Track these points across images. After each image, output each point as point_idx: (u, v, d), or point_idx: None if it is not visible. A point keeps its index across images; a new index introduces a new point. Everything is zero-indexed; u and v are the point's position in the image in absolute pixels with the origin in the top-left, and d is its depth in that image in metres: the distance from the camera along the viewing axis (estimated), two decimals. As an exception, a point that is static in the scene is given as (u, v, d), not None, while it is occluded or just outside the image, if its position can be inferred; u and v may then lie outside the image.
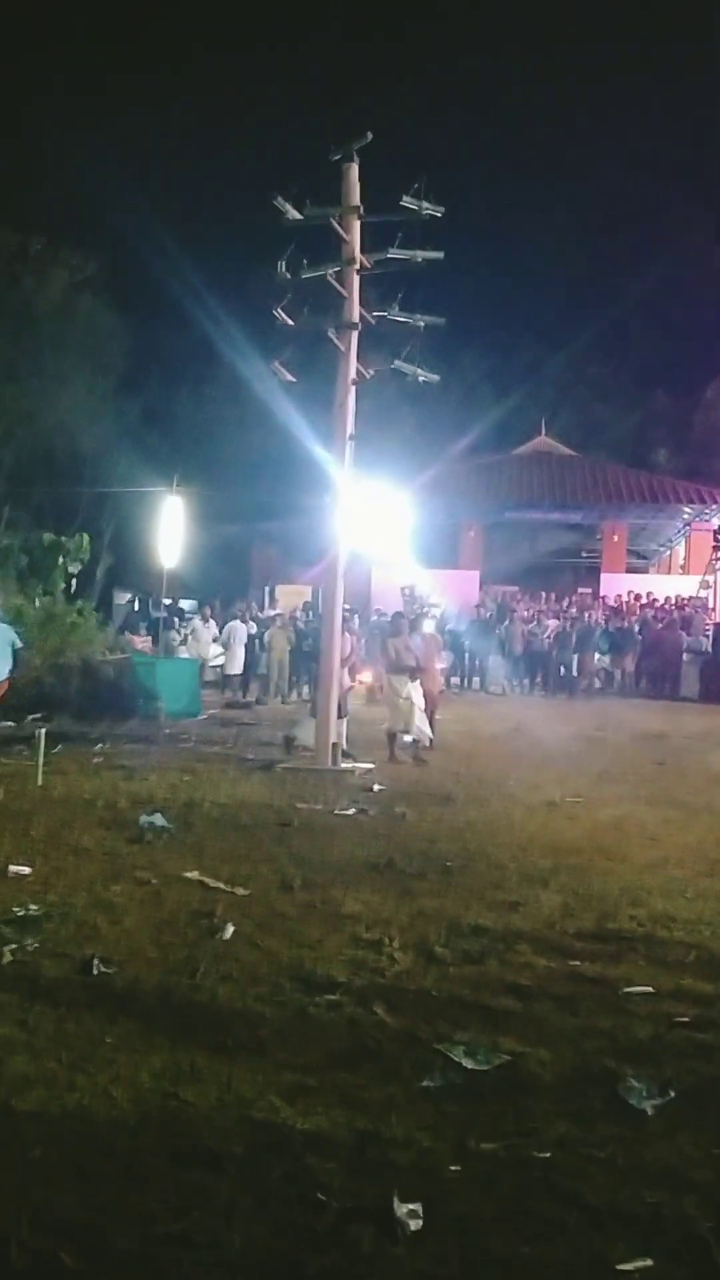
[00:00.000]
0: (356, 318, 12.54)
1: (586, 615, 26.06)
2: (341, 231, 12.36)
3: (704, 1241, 3.07)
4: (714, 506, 31.03)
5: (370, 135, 12.17)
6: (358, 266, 12.50)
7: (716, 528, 29.54)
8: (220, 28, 59.19)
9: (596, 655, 23.95)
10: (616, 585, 30.31)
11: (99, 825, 8.49)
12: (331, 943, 5.70)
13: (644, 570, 36.87)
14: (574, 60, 60.31)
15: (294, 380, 13.39)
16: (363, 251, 12.54)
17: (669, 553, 36.76)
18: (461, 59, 62.82)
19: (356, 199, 12.38)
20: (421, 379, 13.74)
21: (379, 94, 51.42)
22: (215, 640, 23.08)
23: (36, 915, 5.99)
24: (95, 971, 5.11)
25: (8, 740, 12.61)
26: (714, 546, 28.13)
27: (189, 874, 6.99)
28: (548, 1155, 3.54)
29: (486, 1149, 3.57)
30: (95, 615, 20.03)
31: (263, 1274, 2.89)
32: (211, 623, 23.82)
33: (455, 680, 22.75)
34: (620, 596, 28.49)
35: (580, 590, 31.29)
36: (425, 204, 12.14)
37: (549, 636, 24.11)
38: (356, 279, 12.56)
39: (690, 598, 27.63)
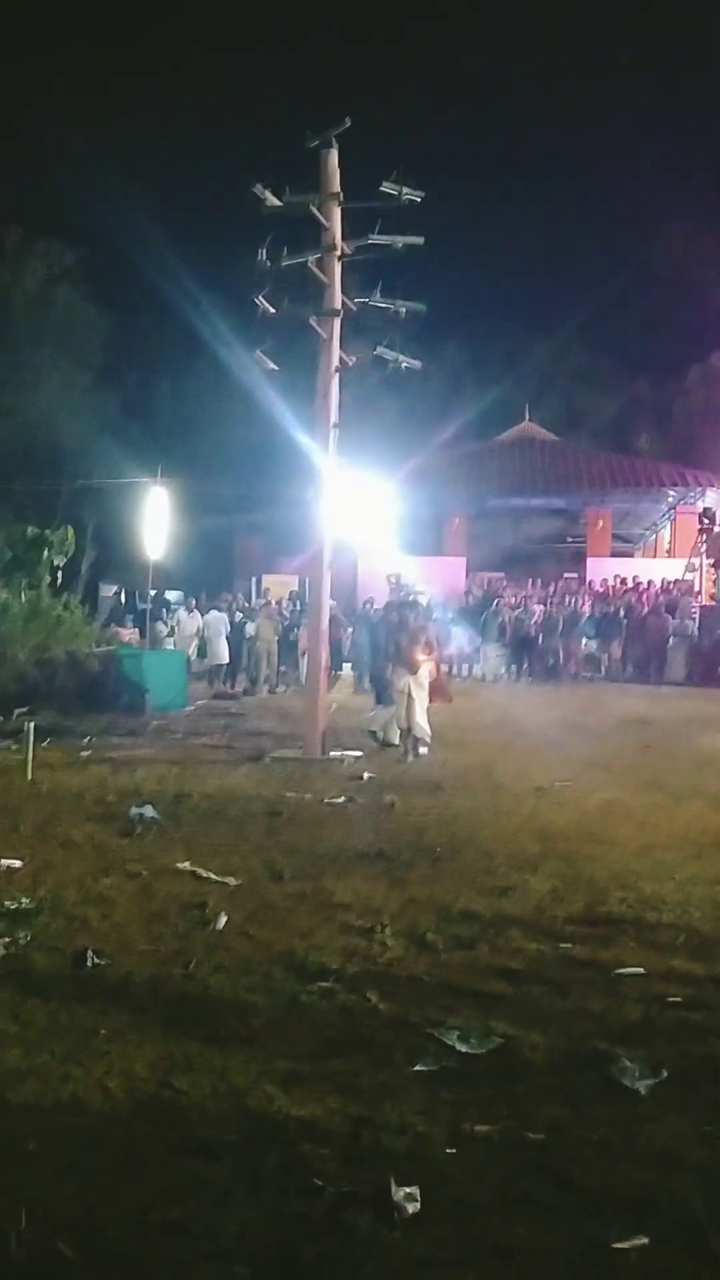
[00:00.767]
0: (338, 305, 12.51)
1: (569, 600, 26.09)
2: (321, 218, 12.33)
3: (698, 1220, 3.09)
4: (698, 489, 31.07)
5: (349, 121, 12.14)
6: (339, 253, 12.47)
7: (701, 510, 29.58)
8: (198, 17, 58.84)
9: (583, 641, 24.00)
10: (602, 570, 30.33)
11: (88, 818, 8.48)
12: (323, 931, 5.71)
13: (630, 554, 36.89)
14: (555, 44, 60.14)
15: (276, 369, 13.36)
16: (343, 238, 12.51)
17: (654, 536, 36.81)
18: (441, 45, 62.59)
19: (336, 185, 12.34)
20: (404, 366, 13.71)
21: (357, 80, 51.20)
22: (198, 632, 23.09)
23: (27, 909, 5.99)
24: (89, 964, 5.11)
25: (-5, 735, 12.57)
26: (699, 530, 28.16)
27: (179, 866, 6.99)
28: (542, 1138, 3.56)
29: (481, 1132, 3.59)
30: (81, 608, 19.96)
31: (260, 1261, 2.90)
32: (196, 613, 23.80)
33: (445, 669, 22.74)
34: (606, 581, 28.52)
35: (566, 576, 31.29)
36: (405, 189, 12.11)
37: (535, 623, 24.14)
38: (338, 266, 12.53)
39: (676, 581, 27.68)
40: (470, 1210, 3.14)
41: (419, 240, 12.56)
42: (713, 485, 31.09)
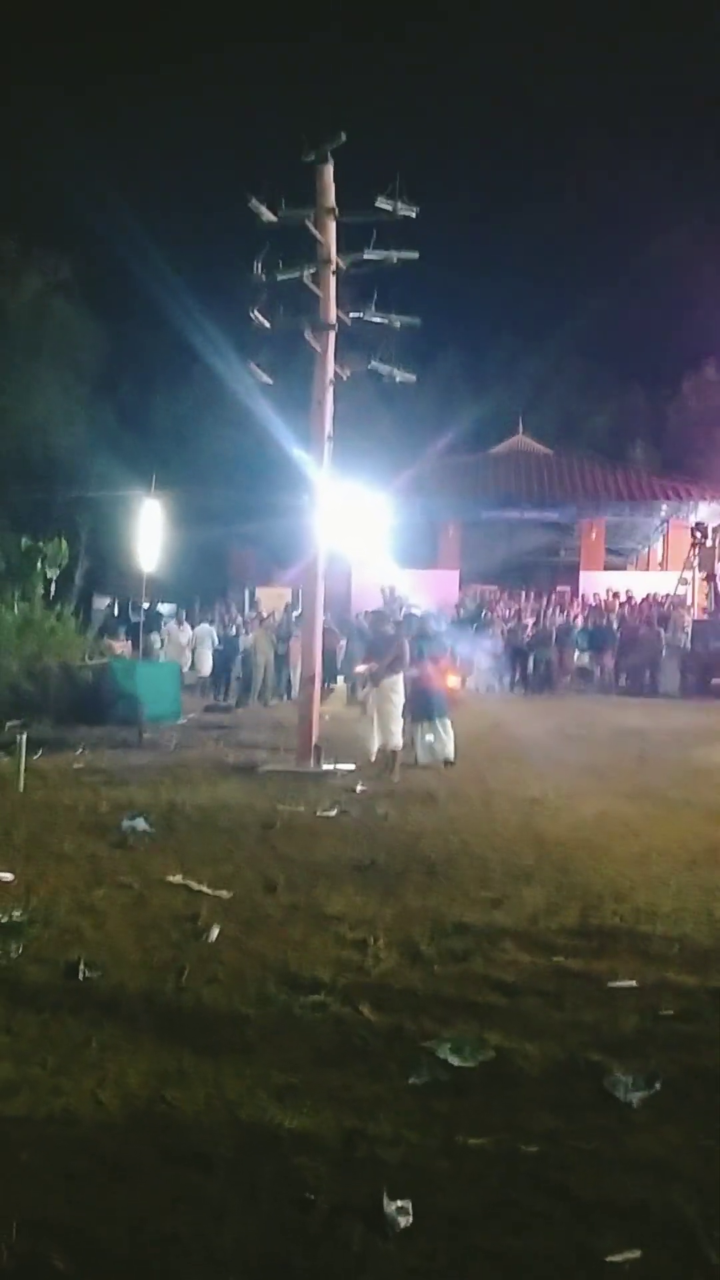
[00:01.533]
0: (333, 318, 12.56)
1: (560, 613, 26.16)
2: (316, 233, 12.37)
3: (691, 1231, 3.09)
4: (691, 503, 31.19)
5: (344, 136, 12.18)
6: (333, 267, 12.51)
7: (694, 524, 29.67)
8: (196, 29, 59.16)
9: (576, 652, 24.04)
10: (595, 583, 30.41)
11: (80, 830, 8.47)
12: (316, 943, 5.71)
13: (622, 567, 37.00)
14: (549, 58, 60.47)
15: (270, 382, 13.40)
16: (338, 252, 12.56)
17: (647, 550, 36.91)
18: (435, 59, 62.98)
19: (331, 200, 12.39)
20: (398, 379, 13.76)
21: (352, 95, 51.46)
22: (187, 644, 23.11)
23: (19, 921, 5.97)
24: (81, 975, 5.09)
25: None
26: (692, 543, 28.25)
27: (172, 877, 6.97)
28: (535, 1149, 3.56)
29: (474, 1144, 3.58)
30: (74, 620, 19.96)
31: (254, 1273, 2.90)
32: (186, 625, 23.81)
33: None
34: (598, 595, 28.58)
35: (559, 588, 31.36)
36: (400, 204, 12.16)
37: (528, 635, 24.18)
38: (332, 280, 12.57)
39: (668, 594, 27.74)
40: (464, 1221, 3.14)
41: (414, 255, 12.62)
42: (705, 498, 31.23)
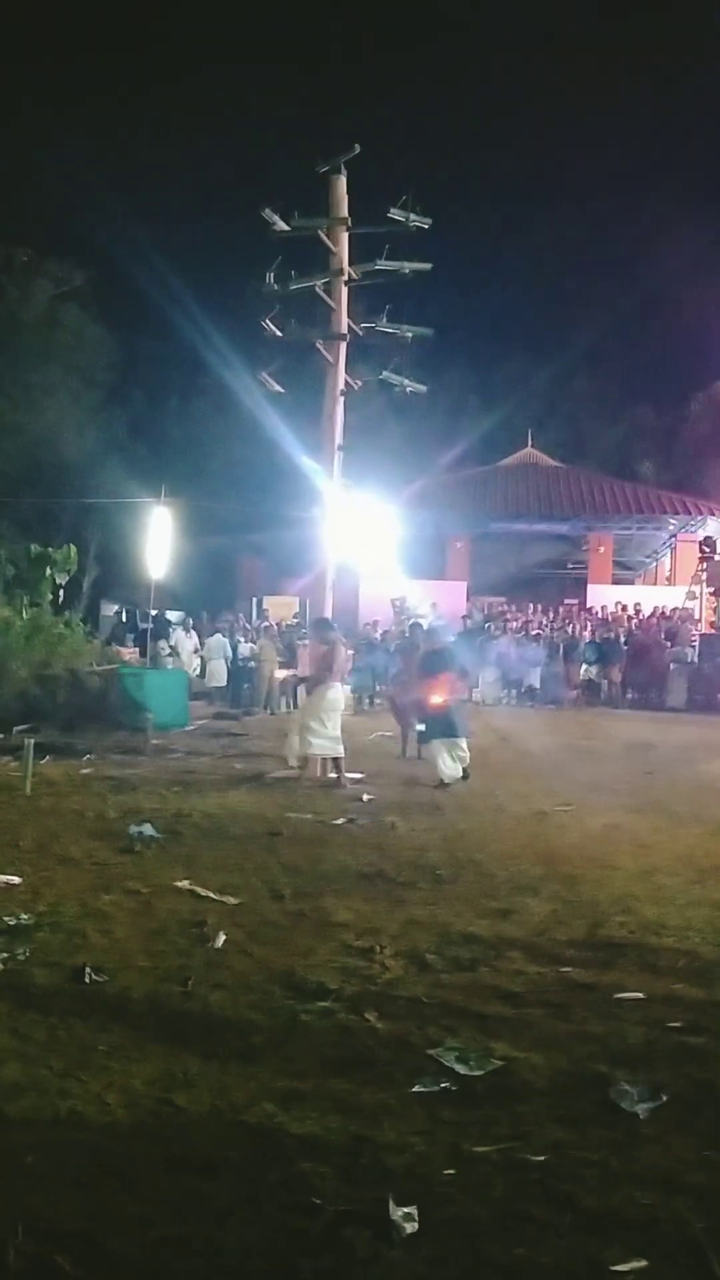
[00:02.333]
0: (345, 329, 12.61)
1: (570, 626, 26.16)
2: (329, 243, 12.44)
3: (698, 1243, 3.08)
4: (699, 518, 31.21)
5: (358, 148, 12.26)
6: (346, 278, 12.57)
7: (702, 539, 29.68)
8: (208, 40, 59.51)
9: (583, 666, 24.03)
10: (603, 596, 30.41)
11: (88, 835, 8.48)
12: (323, 951, 5.70)
13: (630, 581, 37.00)
14: (561, 74, 60.76)
15: (282, 391, 13.45)
16: (351, 263, 12.61)
17: (655, 564, 36.91)
18: (449, 73, 63.24)
19: (344, 211, 12.47)
20: (409, 390, 13.85)
21: (366, 107, 51.71)
22: (196, 652, 23.12)
23: (27, 924, 5.98)
24: (88, 980, 5.10)
25: (-5, 751, 12.57)
26: (700, 558, 28.27)
27: (179, 884, 6.98)
28: (541, 1159, 3.54)
29: (480, 1153, 3.57)
30: (82, 626, 20.00)
31: (259, 1278, 2.89)
32: (193, 633, 23.83)
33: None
34: (606, 608, 28.58)
35: (567, 601, 31.37)
36: (413, 216, 12.24)
37: (536, 648, 24.18)
38: (345, 290, 12.63)
39: (676, 609, 27.74)
40: (469, 1230, 3.13)
41: (426, 266, 12.69)
42: (714, 514, 31.26)
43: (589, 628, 26.26)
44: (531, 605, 29.75)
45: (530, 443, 36.90)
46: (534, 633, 25.47)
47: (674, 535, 32.60)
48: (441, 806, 10.36)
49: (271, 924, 6.19)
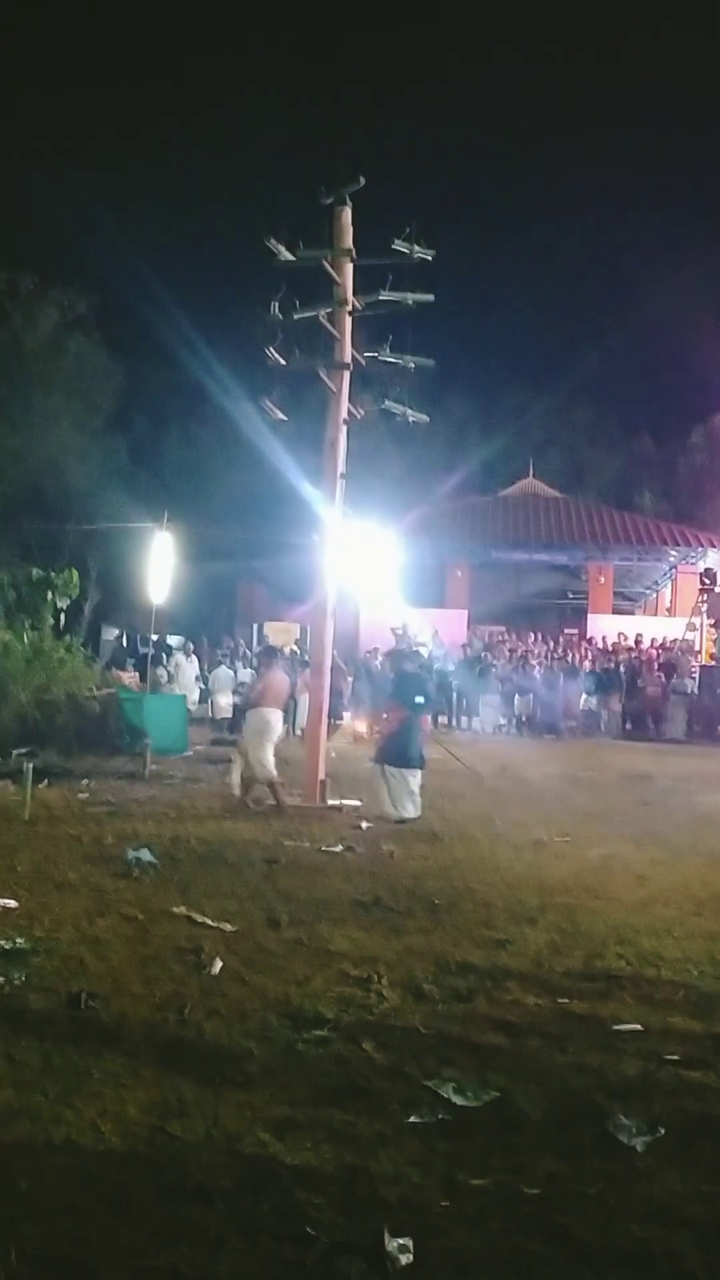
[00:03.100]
0: (348, 358, 12.68)
1: (570, 656, 26.17)
2: (333, 273, 12.52)
3: (695, 1277, 3.06)
4: (700, 549, 31.27)
5: (362, 180, 12.37)
6: (349, 308, 12.66)
7: (702, 570, 29.73)
8: (215, 71, 60.21)
9: (583, 696, 24.03)
10: (603, 626, 30.43)
11: (85, 860, 8.46)
12: (319, 979, 5.68)
13: (630, 612, 37.03)
14: (563, 105, 61.49)
15: (284, 418, 13.50)
16: (354, 293, 12.70)
17: (655, 595, 36.95)
18: (453, 106, 63.98)
19: (349, 242, 12.55)
20: (411, 419, 13.89)
21: (370, 138, 52.29)
22: (197, 679, 23.07)
23: (22, 949, 5.96)
24: (83, 1005, 5.08)
25: (-7, 775, 12.54)
26: (700, 589, 28.30)
27: (176, 910, 6.96)
28: (537, 1191, 3.53)
29: (476, 1185, 3.55)
30: (83, 650, 20.01)
31: (252, 1309, 2.87)
32: (194, 658, 23.79)
33: (444, 719, 22.73)
34: (606, 638, 28.59)
35: (567, 631, 31.39)
36: (416, 247, 12.33)
37: (535, 677, 24.18)
38: (348, 320, 12.71)
39: (676, 640, 27.76)
40: (464, 1262, 3.11)
41: (429, 297, 12.77)
42: (714, 545, 31.32)
43: (589, 657, 26.26)
44: (531, 634, 29.77)
45: (531, 472, 37.02)
46: (533, 662, 25.47)
47: (674, 566, 32.66)
48: (439, 835, 10.33)
49: (268, 951, 6.17)
